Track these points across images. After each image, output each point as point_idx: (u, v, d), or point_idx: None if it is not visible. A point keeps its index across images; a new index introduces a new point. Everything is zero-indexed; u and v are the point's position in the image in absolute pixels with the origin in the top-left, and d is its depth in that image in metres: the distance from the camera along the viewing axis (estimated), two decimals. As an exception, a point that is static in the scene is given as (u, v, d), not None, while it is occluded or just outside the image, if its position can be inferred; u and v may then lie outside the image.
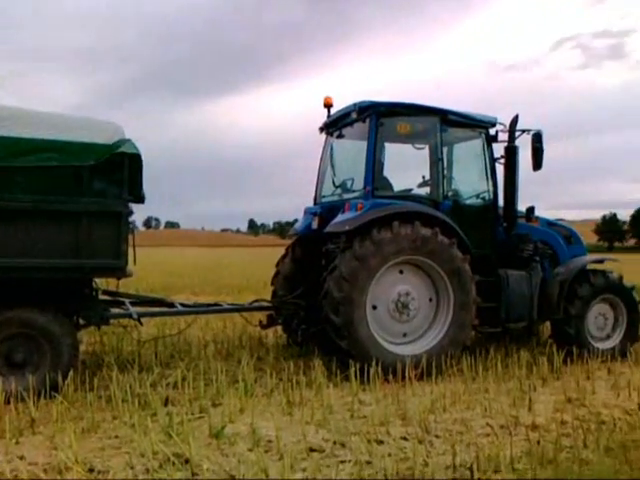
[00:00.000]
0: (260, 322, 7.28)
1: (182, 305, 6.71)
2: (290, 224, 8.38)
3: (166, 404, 4.89)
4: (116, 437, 4.12)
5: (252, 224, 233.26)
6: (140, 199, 6.09)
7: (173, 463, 3.64)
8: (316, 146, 7.86)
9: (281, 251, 7.81)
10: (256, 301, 7.35)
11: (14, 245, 4.91)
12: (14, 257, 4.91)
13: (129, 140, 5.36)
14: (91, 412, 4.43)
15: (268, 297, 7.58)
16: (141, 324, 6.34)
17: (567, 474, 3.40)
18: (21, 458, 3.72)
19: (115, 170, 5.23)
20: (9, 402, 4.57)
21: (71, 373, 4.99)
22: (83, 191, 5.12)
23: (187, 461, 3.68)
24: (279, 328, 7.68)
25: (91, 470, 3.54)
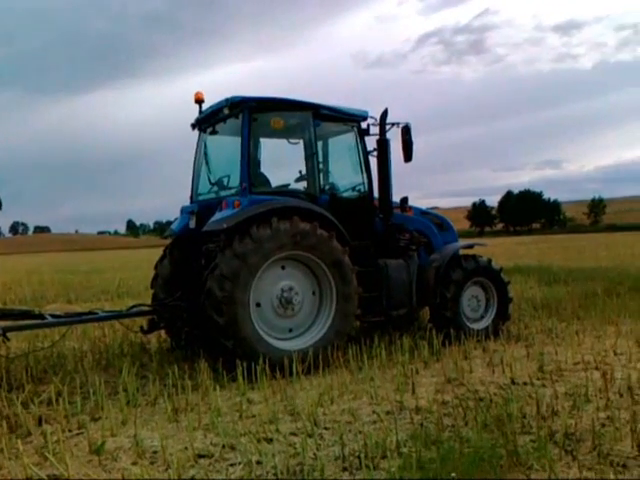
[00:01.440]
0: (141, 328, 6.99)
1: (52, 316, 6.28)
2: (170, 223, 8.11)
3: (40, 423, 4.56)
4: None
5: (131, 225, 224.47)
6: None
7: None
8: (192, 143, 7.66)
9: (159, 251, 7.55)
10: (135, 306, 7.04)
11: None
12: None
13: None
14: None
15: (149, 301, 7.31)
16: (7, 339, 5.85)
17: (449, 453, 3.55)
18: None
19: None
20: None
21: None
22: None
23: (65, 482, 3.45)
24: (162, 332, 7.42)
25: (-47, 506, 3.22)
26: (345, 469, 3.57)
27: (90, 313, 6.65)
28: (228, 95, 6.69)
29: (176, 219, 7.55)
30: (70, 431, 4.39)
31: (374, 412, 4.59)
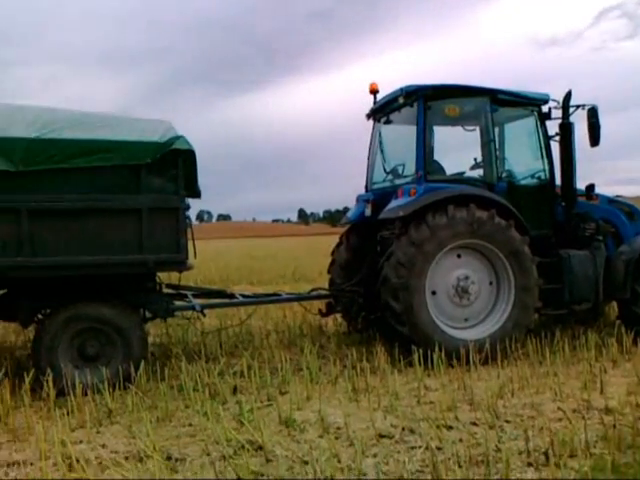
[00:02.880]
0: (320, 310, 7.34)
1: (242, 296, 6.83)
2: (340, 212, 8.40)
3: (235, 392, 5.02)
4: (190, 425, 4.25)
5: (302, 214, 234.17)
6: (196, 194, 6.25)
7: (247, 450, 3.74)
8: (362, 133, 7.83)
9: (332, 239, 7.85)
10: (314, 290, 7.40)
11: (81, 243, 5.09)
12: (82, 255, 5.09)
13: (182, 136, 5.46)
14: (164, 401, 4.58)
15: (323, 285, 7.65)
16: (204, 316, 6.48)
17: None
18: (103, 446, 3.89)
19: (170, 167, 5.34)
20: (87, 394, 4.76)
21: (142, 364, 5.16)
22: (141, 189, 5.24)
23: (260, 448, 3.77)
24: (338, 316, 7.73)
25: (169, 458, 3.66)
26: (530, 464, 3.48)
27: (274, 294, 7.14)
28: (391, 85, 6.74)
29: (351, 207, 7.78)
30: (261, 402, 4.77)
31: (559, 409, 4.38)
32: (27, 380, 4.68)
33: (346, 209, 8.08)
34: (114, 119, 5.96)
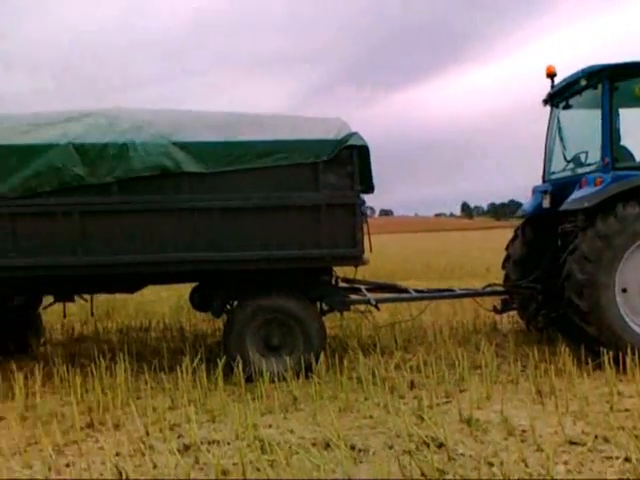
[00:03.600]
0: (494, 307, 7.10)
1: (416, 291, 6.82)
2: (505, 205, 8.04)
3: (412, 387, 5.02)
4: (370, 417, 4.33)
5: (465, 207, 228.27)
6: (370, 189, 6.33)
7: (428, 446, 3.72)
8: (528, 122, 7.39)
9: (498, 233, 7.56)
10: (489, 286, 7.17)
11: (264, 239, 5.40)
12: (265, 250, 5.40)
13: (356, 133, 5.56)
14: (344, 393, 4.71)
15: (493, 281, 7.40)
16: (378, 310, 6.56)
17: None
18: (291, 432, 4.10)
19: (346, 163, 5.47)
20: (273, 381, 5.06)
21: (322, 355, 5.35)
22: (319, 186, 5.43)
23: (442, 445, 3.72)
24: (513, 313, 7.42)
25: (352, 447, 3.76)
26: None
27: (448, 290, 7.03)
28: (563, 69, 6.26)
29: (527, 200, 7.41)
30: (439, 398, 4.72)
31: None
32: (220, 366, 5.08)
33: (512, 202, 7.72)
34: (290, 119, 6.25)
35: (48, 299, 6.78)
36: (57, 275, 5.44)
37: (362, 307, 6.97)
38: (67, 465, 3.67)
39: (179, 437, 4.06)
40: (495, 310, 7.08)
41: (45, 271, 5.35)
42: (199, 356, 5.30)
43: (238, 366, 5.12)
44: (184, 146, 5.32)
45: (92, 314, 7.08)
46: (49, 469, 3.58)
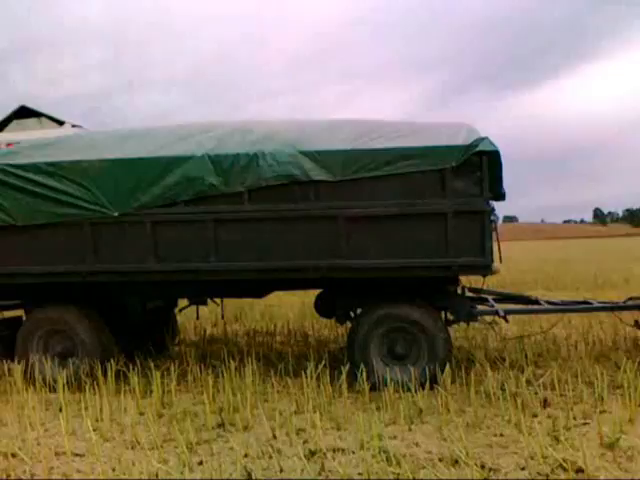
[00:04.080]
0: (636, 322, 6.53)
1: (547, 302, 6.45)
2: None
3: (545, 405, 4.73)
4: (501, 435, 4.12)
5: (598, 213, 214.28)
6: (500, 196, 6.09)
7: (565, 470, 3.48)
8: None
9: (636, 241, 6.93)
10: (631, 299, 6.61)
11: (390, 247, 5.35)
12: (391, 258, 5.34)
13: (486, 138, 5.36)
14: (472, 407, 4.54)
15: (633, 293, 6.81)
16: (507, 322, 6.27)
17: None
18: (416, 444, 4.00)
19: (474, 169, 5.29)
20: (397, 391, 4.99)
21: (447, 366, 5.20)
22: (446, 193, 5.29)
23: (580, 470, 3.47)
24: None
25: (482, 466, 3.60)
26: None
27: (584, 302, 6.57)
28: None
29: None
30: (575, 419, 4.41)
31: None
32: (343, 373, 5.09)
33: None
34: (415, 126, 6.15)
35: (183, 302, 7.19)
36: (191, 280, 5.72)
37: (488, 318, 6.71)
38: (199, 463, 3.83)
39: (304, 442, 4.11)
40: (637, 325, 6.52)
41: (180, 276, 5.65)
42: (323, 362, 5.35)
43: (362, 374, 5.10)
44: (312, 155, 5.41)
45: (222, 317, 7.40)
46: (183, 465, 3.75)
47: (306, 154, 5.42)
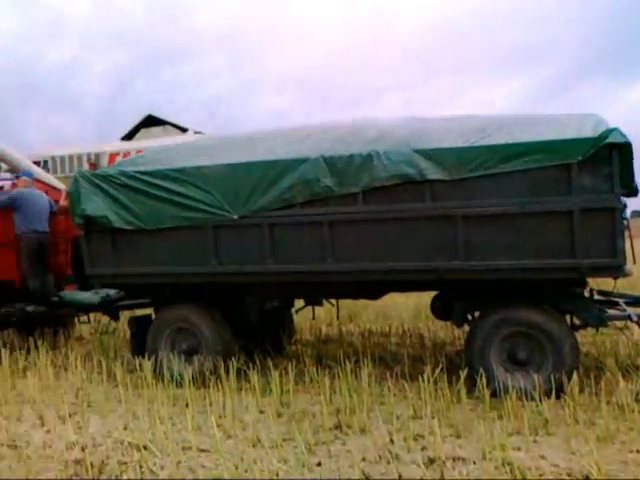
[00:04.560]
0: None
1: None
2: None
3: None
4: (637, 452, 3.82)
5: None
6: (634, 191, 5.65)
7: None
8: None
9: None
10: None
11: (510, 247, 5.11)
12: (512, 259, 5.10)
13: (615, 129, 4.95)
14: (603, 419, 4.24)
15: None
16: (640, 327, 5.80)
17: None
18: (542, 457, 3.79)
19: (604, 163, 4.92)
20: (520, 399, 4.76)
21: (574, 375, 4.89)
22: (572, 189, 4.97)
23: None
24: None
25: (617, 484, 3.35)
26: None
27: None
28: None
29: None
30: None
31: None
32: (462, 378, 4.93)
33: None
34: (534, 119, 5.85)
35: (299, 303, 7.32)
36: (307, 280, 5.80)
37: (620, 323, 6.24)
38: (318, 464, 3.86)
39: (423, 449, 4.03)
40: None
41: (297, 277, 5.74)
42: (440, 366, 5.21)
43: (481, 380, 4.91)
44: (426, 153, 5.28)
45: (337, 317, 7.45)
46: (302, 466, 3.80)
47: (421, 153, 5.29)
